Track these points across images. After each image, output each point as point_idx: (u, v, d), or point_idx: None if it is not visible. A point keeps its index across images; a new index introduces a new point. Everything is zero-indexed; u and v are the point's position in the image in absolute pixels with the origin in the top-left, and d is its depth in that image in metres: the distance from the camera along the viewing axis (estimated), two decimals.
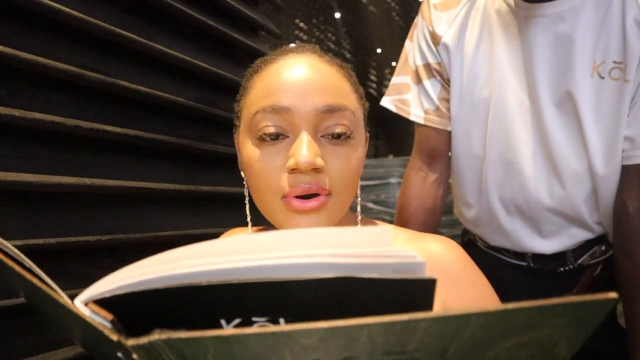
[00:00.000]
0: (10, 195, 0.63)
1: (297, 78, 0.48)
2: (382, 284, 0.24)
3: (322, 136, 0.48)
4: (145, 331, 0.23)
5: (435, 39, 0.84)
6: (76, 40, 0.73)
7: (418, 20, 0.89)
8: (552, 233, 0.81)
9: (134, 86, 0.79)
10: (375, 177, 3.16)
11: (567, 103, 0.74)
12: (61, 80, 0.69)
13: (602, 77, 0.71)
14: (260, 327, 0.25)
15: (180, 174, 0.91)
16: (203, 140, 0.96)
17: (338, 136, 0.48)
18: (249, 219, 0.56)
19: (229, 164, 1.00)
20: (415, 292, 0.24)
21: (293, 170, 0.46)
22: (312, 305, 0.25)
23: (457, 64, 0.82)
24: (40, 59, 0.64)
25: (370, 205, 3.12)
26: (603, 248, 0.82)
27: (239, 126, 0.53)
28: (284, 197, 0.47)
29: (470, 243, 0.96)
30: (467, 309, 0.21)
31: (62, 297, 0.26)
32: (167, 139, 0.85)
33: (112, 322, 0.25)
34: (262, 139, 0.47)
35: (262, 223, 0.60)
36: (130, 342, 0.22)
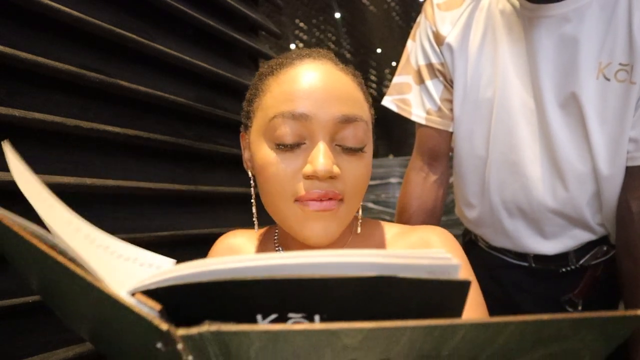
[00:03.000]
0: (11, 195, 0.63)
1: (316, 86, 0.49)
2: (418, 284, 0.25)
3: (337, 145, 0.49)
4: (186, 324, 0.23)
5: (438, 39, 0.84)
6: (76, 40, 0.72)
7: (421, 19, 0.88)
8: (555, 234, 0.81)
9: (134, 86, 0.79)
10: (375, 177, 3.15)
11: (572, 105, 0.73)
12: (61, 80, 0.69)
13: (608, 79, 0.71)
14: (295, 323, 0.26)
15: (180, 174, 0.91)
16: (203, 140, 0.96)
17: (353, 149, 0.50)
18: (255, 219, 0.57)
19: (229, 164, 1.00)
20: (450, 292, 0.25)
21: (309, 177, 0.47)
22: (348, 303, 0.25)
23: (461, 65, 0.82)
24: (40, 59, 0.64)
25: (370, 205, 3.12)
26: (605, 249, 0.82)
27: (251, 126, 0.53)
28: (297, 200, 0.48)
29: (472, 243, 0.95)
30: (506, 318, 0.21)
31: (106, 285, 0.26)
32: (167, 139, 0.85)
33: (160, 312, 0.25)
34: (279, 147, 0.49)
35: (265, 223, 0.60)
36: (181, 332, 0.22)
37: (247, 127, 0.55)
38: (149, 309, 0.24)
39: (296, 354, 0.22)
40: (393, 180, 3.12)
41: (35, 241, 0.28)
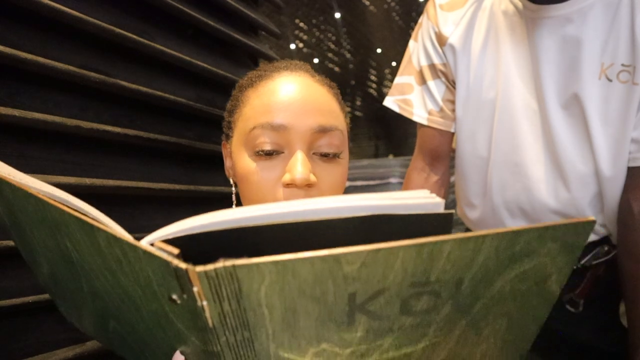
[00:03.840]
0: None
1: (293, 98, 0.51)
2: (406, 220, 0.28)
3: (314, 153, 0.52)
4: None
5: (441, 39, 0.84)
6: (76, 40, 0.72)
7: (423, 20, 0.88)
8: None
9: (134, 86, 0.78)
10: (375, 177, 3.15)
11: (574, 106, 0.73)
12: (61, 80, 0.68)
13: (610, 80, 0.71)
14: None
15: (180, 174, 0.91)
16: (203, 140, 0.95)
17: (329, 155, 0.52)
18: None
19: None
20: (435, 225, 0.29)
21: (288, 185, 0.49)
22: (346, 244, 0.27)
23: (464, 65, 0.82)
24: (40, 59, 0.64)
25: None
26: (606, 249, 0.82)
27: (232, 136, 0.56)
28: None
29: None
30: (482, 232, 0.24)
31: (125, 235, 0.27)
32: (167, 139, 0.85)
33: (177, 256, 0.26)
34: (259, 154, 0.51)
35: None
36: (198, 269, 0.23)
37: (228, 137, 0.57)
38: (168, 254, 0.25)
39: (302, 290, 0.24)
40: (393, 180, 3.12)
41: (58, 204, 0.28)
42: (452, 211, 0.28)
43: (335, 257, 0.23)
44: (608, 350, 0.82)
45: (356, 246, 0.23)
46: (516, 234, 0.25)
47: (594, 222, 0.25)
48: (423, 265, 0.24)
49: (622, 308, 0.83)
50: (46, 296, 0.63)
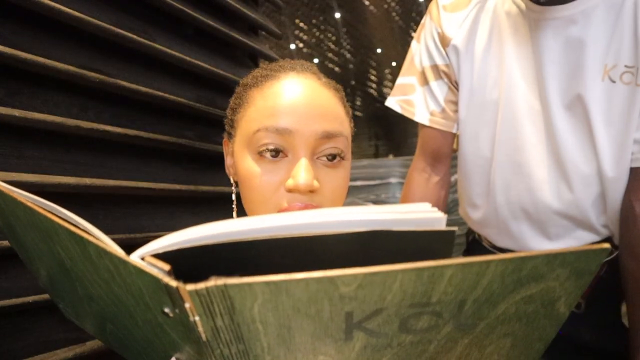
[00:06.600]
0: None
1: (299, 101, 0.51)
2: (407, 236, 0.27)
3: (317, 158, 0.52)
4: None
5: (444, 40, 0.84)
6: (76, 40, 0.72)
7: (426, 21, 0.88)
8: (559, 235, 0.81)
9: (134, 86, 0.78)
10: (375, 177, 3.15)
11: (577, 107, 0.73)
12: (61, 80, 0.68)
13: (613, 81, 0.71)
14: None
15: (180, 174, 0.91)
16: (203, 140, 0.95)
17: (333, 158, 0.52)
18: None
19: None
20: (436, 242, 0.28)
21: (291, 190, 0.49)
22: (344, 260, 0.26)
23: (467, 66, 0.82)
24: (40, 59, 0.64)
25: (370, 205, 3.12)
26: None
27: (235, 136, 0.55)
28: (280, 211, 0.50)
29: (476, 243, 0.95)
30: (487, 257, 0.23)
31: (116, 249, 0.26)
32: (167, 139, 0.85)
33: (168, 272, 0.25)
34: (263, 156, 0.50)
35: None
36: (189, 287, 0.22)
37: (230, 135, 0.56)
38: (158, 270, 0.25)
39: (296, 308, 0.23)
40: (393, 180, 3.12)
41: (47, 213, 0.28)
42: (455, 228, 0.27)
43: (331, 279, 0.22)
44: (609, 350, 0.82)
45: (353, 268, 0.22)
46: (523, 259, 0.24)
47: (607, 249, 0.24)
48: (423, 287, 0.24)
49: (623, 308, 0.83)
50: (46, 296, 0.63)
